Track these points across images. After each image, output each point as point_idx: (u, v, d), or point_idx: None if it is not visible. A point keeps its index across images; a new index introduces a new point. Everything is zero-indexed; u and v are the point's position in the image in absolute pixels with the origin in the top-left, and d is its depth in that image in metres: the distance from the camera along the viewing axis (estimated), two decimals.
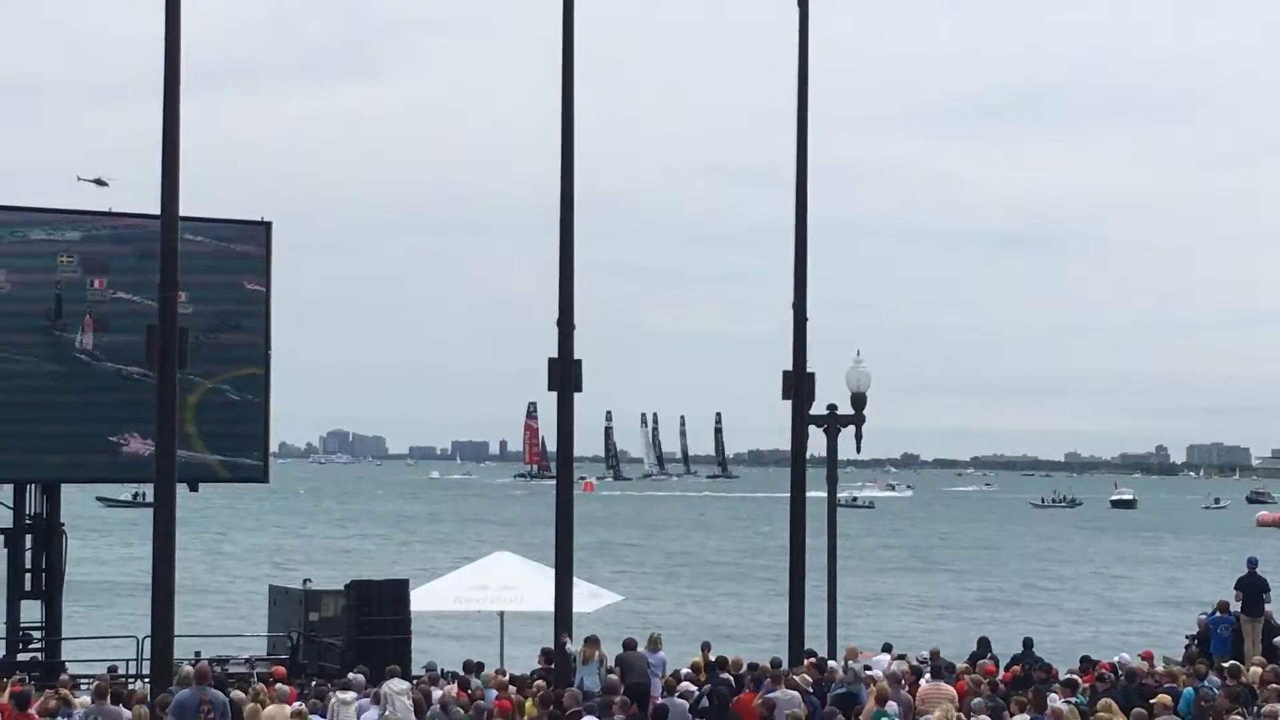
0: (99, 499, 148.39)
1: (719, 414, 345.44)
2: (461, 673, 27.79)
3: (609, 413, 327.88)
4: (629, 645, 26.68)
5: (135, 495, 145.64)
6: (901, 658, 29.31)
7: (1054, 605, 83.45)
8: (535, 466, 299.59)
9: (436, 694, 24.77)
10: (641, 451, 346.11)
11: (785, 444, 31.66)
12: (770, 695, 23.65)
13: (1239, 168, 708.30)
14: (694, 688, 25.28)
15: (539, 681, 26.34)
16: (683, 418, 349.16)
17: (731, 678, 26.38)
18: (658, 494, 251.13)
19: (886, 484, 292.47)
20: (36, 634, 33.67)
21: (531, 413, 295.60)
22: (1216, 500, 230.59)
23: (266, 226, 34.24)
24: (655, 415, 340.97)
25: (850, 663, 27.23)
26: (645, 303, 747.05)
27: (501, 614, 35.26)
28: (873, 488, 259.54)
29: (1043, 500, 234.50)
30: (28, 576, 33.63)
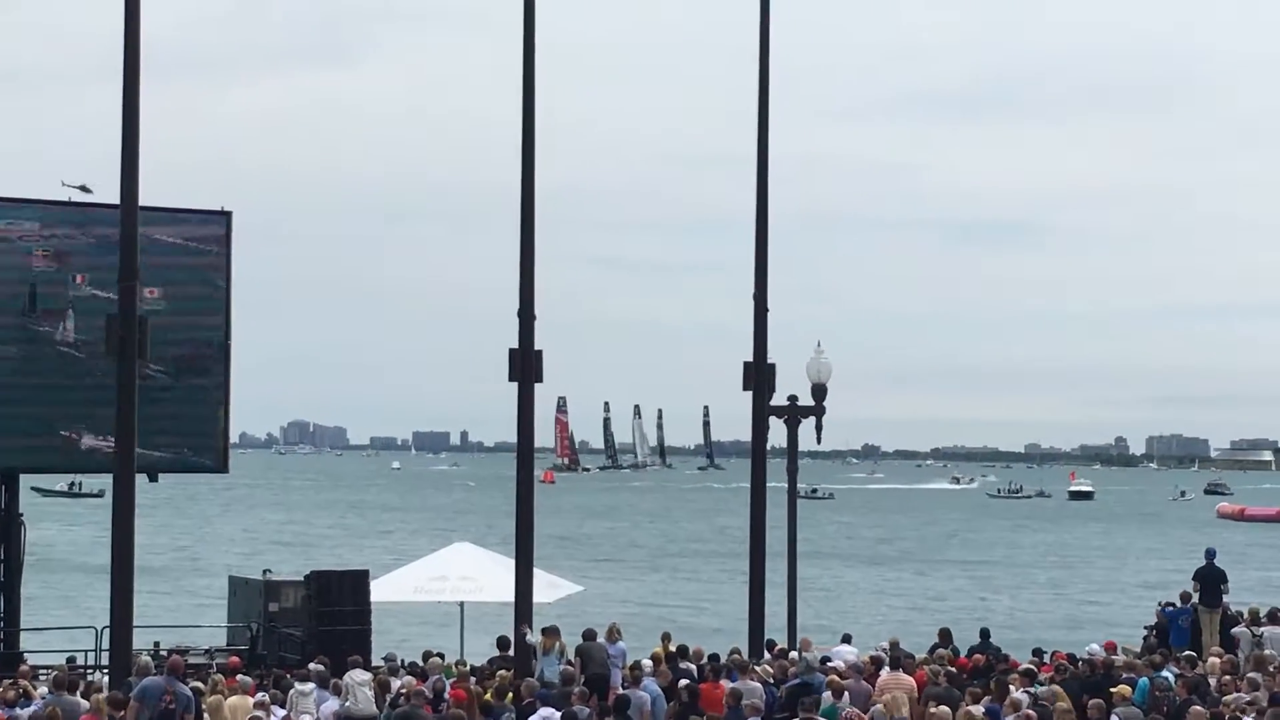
0: (34, 489, 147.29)
1: (706, 407, 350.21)
2: (421, 663, 27.75)
3: (606, 403, 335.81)
4: (589, 636, 26.69)
5: (70, 485, 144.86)
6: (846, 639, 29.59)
7: (1011, 596, 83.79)
8: (565, 459, 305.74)
9: (395, 684, 24.74)
10: (615, 442, 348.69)
11: (746, 434, 31.77)
12: (735, 685, 23.79)
13: (1202, 160, 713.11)
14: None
15: (502, 671, 26.30)
16: (660, 410, 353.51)
17: (695, 668, 26.41)
18: (658, 485, 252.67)
19: (952, 477, 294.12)
20: None
21: (561, 407, 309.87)
22: (1183, 493, 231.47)
23: (227, 216, 34.12)
24: (638, 407, 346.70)
25: (804, 654, 27.31)
26: (611, 292, 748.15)
27: (461, 604, 35.25)
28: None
29: (999, 491, 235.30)
30: None
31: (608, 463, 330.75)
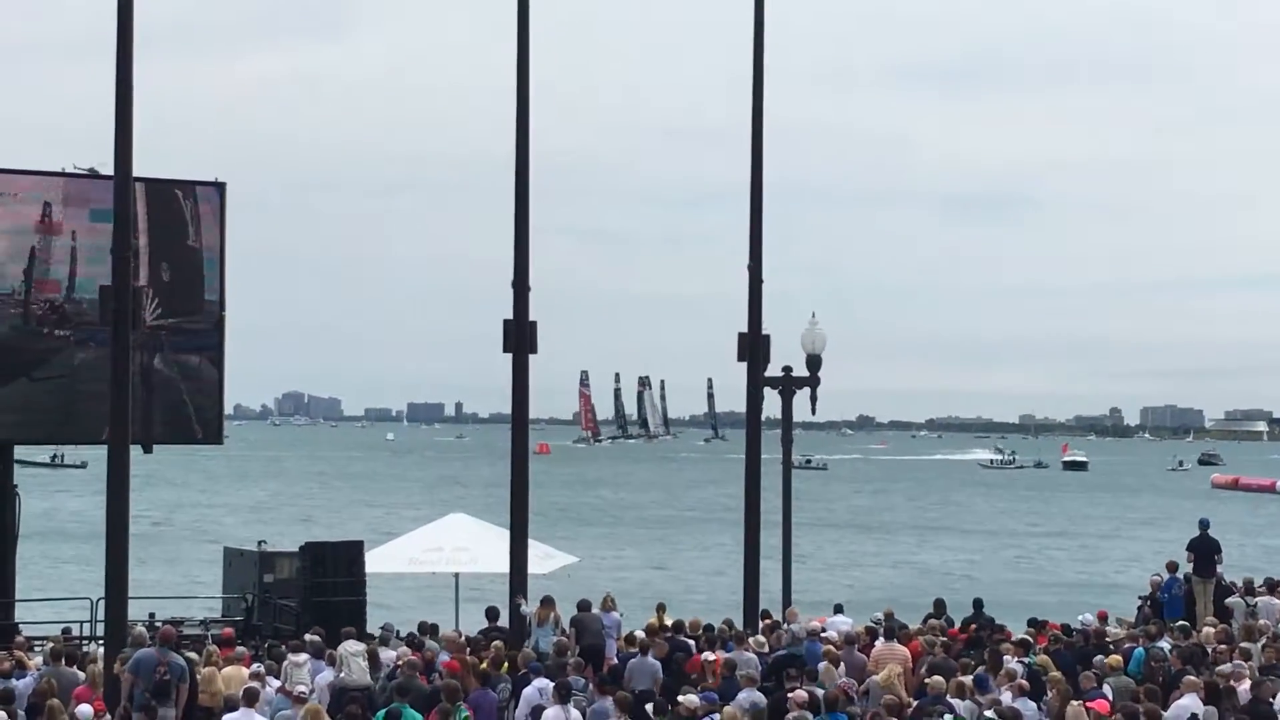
0: (15, 461, 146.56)
1: (710, 379, 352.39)
2: (418, 634, 27.77)
3: (618, 375, 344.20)
4: (583, 606, 26.70)
5: (53, 457, 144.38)
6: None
7: (1005, 565, 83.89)
8: (589, 432, 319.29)
9: (390, 655, 24.77)
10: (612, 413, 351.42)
11: (740, 405, 31.79)
12: (729, 656, 23.86)
13: (1196, 132, 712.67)
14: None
15: (497, 642, 26.31)
16: (663, 381, 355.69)
17: (693, 640, 26.43)
18: (664, 455, 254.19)
19: (995, 447, 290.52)
20: None
21: (584, 381, 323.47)
22: (1180, 463, 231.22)
23: (221, 187, 34.07)
24: (647, 378, 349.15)
25: (790, 625, 27.37)
26: (605, 264, 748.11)
27: (456, 575, 35.27)
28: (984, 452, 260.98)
29: (991, 462, 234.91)
30: None
31: (618, 433, 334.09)
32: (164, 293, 32.83)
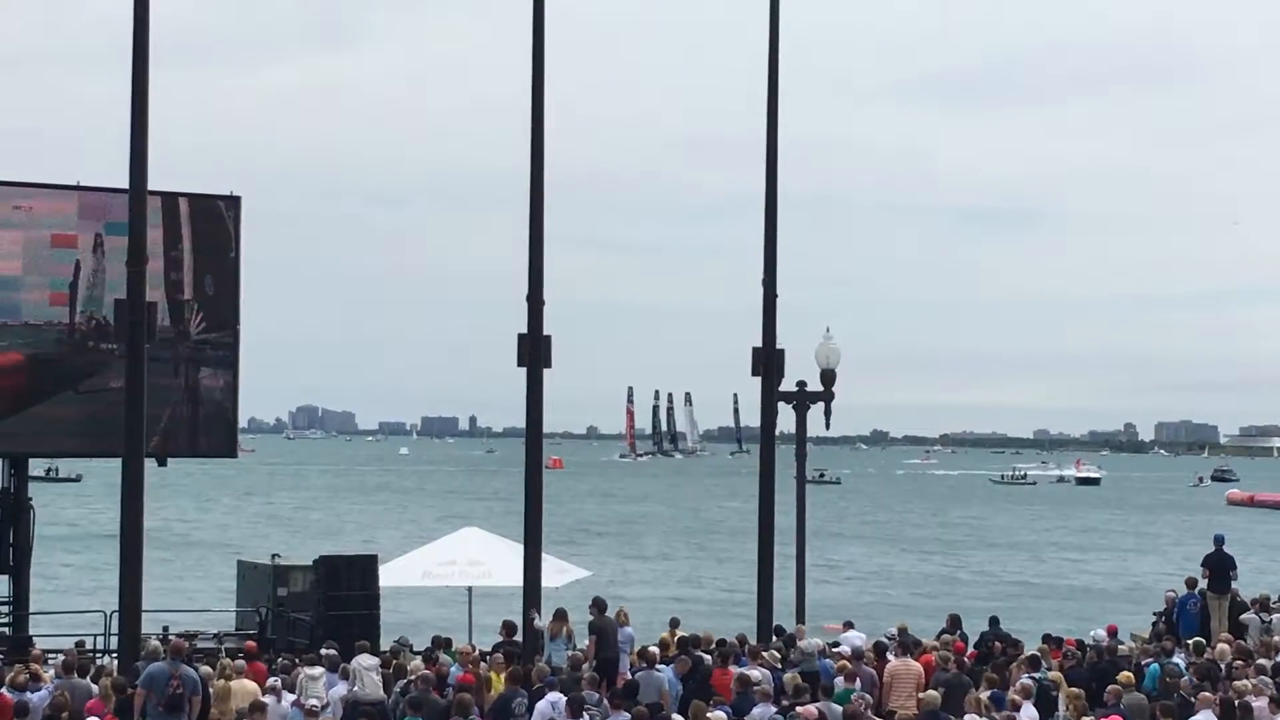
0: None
1: (735, 394, 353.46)
2: (434, 648, 27.70)
3: (656, 391, 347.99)
4: (600, 605, 26.40)
5: (48, 470, 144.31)
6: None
7: (1023, 581, 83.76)
8: (631, 447, 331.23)
9: (407, 668, 24.71)
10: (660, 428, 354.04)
11: (755, 420, 31.75)
12: (745, 671, 23.78)
13: (1213, 144, 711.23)
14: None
15: (497, 655, 26.18)
16: (688, 395, 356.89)
17: (708, 656, 26.32)
18: (692, 469, 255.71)
19: (1078, 462, 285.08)
20: (4, 609, 33.50)
21: (630, 398, 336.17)
22: (1201, 479, 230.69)
23: (236, 200, 34.12)
24: (688, 394, 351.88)
25: (799, 642, 27.29)
26: (628, 278, 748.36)
27: (470, 589, 35.24)
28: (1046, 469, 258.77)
29: (1002, 477, 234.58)
30: None
31: (654, 449, 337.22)
32: (208, 306, 33.03)
